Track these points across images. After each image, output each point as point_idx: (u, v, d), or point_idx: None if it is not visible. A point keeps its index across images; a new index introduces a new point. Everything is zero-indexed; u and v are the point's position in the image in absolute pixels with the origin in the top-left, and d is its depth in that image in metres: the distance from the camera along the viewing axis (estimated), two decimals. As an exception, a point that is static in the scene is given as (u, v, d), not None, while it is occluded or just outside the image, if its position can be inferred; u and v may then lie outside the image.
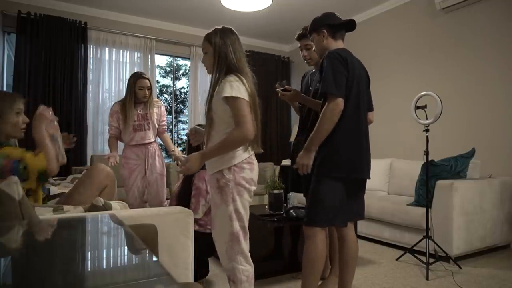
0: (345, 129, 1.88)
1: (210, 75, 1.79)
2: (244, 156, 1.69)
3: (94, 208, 1.60)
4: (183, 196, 2.45)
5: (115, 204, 1.73)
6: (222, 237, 1.68)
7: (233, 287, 1.69)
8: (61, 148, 1.93)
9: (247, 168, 1.70)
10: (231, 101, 1.63)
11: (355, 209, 2.01)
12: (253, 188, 1.73)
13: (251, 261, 1.72)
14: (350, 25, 2.07)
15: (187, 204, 2.43)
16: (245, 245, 1.70)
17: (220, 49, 1.73)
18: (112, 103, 4.99)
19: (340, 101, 1.82)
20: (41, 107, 1.85)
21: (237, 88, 1.64)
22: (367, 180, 2.16)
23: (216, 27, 1.80)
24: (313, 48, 2.14)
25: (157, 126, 3.16)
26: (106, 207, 1.61)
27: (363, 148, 1.98)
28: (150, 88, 3.10)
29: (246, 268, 1.69)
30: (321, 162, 1.89)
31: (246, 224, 1.71)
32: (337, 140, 1.87)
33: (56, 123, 1.89)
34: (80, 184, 2.03)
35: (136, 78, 3.04)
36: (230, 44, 1.75)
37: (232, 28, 1.82)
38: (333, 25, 2.03)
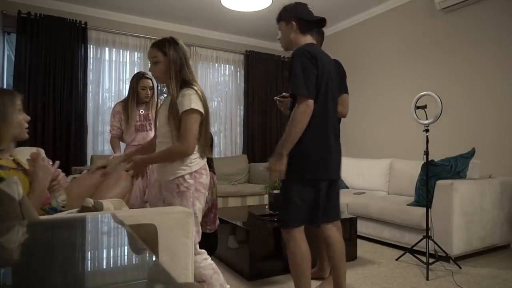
0: (312, 129, 1.83)
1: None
2: (202, 163, 1.82)
3: (84, 209, 1.57)
4: None
5: (107, 203, 1.70)
6: None
7: (206, 286, 1.78)
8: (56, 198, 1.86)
9: (204, 174, 1.82)
10: (186, 114, 1.73)
11: (329, 210, 1.99)
12: (207, 193, 1.86)
13: (207, 255, 1.85)
14: (320, 23, 2.00)
15: None
16: (197, 247, 1.83)
17: (176, 62, 1.80)
18: (112, 103, 5.01)
19: (311, 103, 1.77)
20: (42, 157, 1.66)
21: (196, 101, 1.74)
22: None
23: (165, 37, 1.87)
24: (278, 36, 2.06)
25: None
26: (97, 207, 1.59)
27: (331, 147, 1.91)
28: (152, 88, 3.11)
29: (207, 263, 1.81)
30: (290, 163, 1.86)
31: (200, 228, 1.84)
32: (305, 141, 1.83)
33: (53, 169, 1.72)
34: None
35: (138, 78, 3.05)
36: (183, 57, 1.83)
37: (180, 40, 1.89)
38: (305, 20, 1.94)
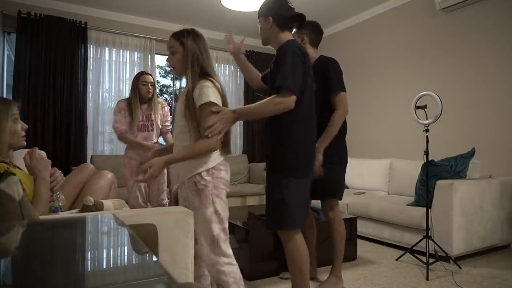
0: (302, 128, 1.83)
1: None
2: (220, 158, 1.74)
3: (85, 208, 1.60)
4: None
5: (108, 202, 1.72)
6: (203, 241, 1.70)
7: None
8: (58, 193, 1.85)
9: (223, 169, 1.74)
10: (205, 107, 1.66)
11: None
12: (228, 189, 1.77)
13: (235, 261, 1.74)
14: (301, 19, 1.97)
15: None
16: (227, 247, 1.72)
17: (194, 53, 1.73)
18: (112, 103, 5.01)
19: (293, 100, 1.71)
20: (37, 151, 1.69)
21: (213, 94, 1.67)
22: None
23: (185, 27, 1.81)
24: (258, 31, 2.00)
25: (160, 126, 3.16)
26: (97, 206, 1.61)
27: (315, 147, 1.95)
28: (153, 85, 3.10)
29: (231, 269, 1.70)
30: (278, 161, 1.85)
31: (226, 225, 1.74)
32: (295, 140, 1.82)
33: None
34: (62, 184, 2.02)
35: (139, 75, 3.07)
36: (203, 49, 1.77)
37: (200, 32, 1.83)
38: (282, 16, 1.89)
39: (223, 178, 1.73)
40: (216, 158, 1.72)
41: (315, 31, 2.51)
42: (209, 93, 1.66)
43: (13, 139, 1.64)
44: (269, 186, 1.89)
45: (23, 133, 1.69)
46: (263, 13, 1.93)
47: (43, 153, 1.76)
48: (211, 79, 1.72)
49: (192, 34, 1.77)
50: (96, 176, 2.16)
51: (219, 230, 1.70)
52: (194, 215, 1.70)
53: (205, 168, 1.69)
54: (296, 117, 1.80)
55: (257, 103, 1.76)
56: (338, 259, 2.44)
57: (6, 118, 1.59)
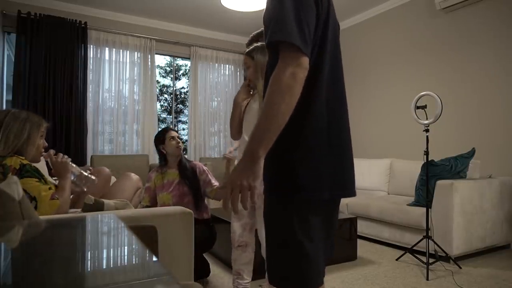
0: (316, 123, 1.02)
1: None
2: None
3: (86, 206, 1.62)
4: (193, 182, 2.49)
5: (110, 202, 1.72)
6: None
7: None
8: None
9: None
10: None
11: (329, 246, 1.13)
12: None
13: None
14: None
15: (198, 186, 2.48)
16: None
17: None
18: (112, 103, 5.01)
19: (305, 62, 0.93)
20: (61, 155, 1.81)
21: None
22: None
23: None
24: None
25: None
26: (98, 206, 1.62)
27: (348, 149, 1.11)
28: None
29: None
30: (273, 170, 1.07)
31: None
32: (307, 140, 1.02)
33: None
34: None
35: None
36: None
37: None
38: None
39: None
40: None
41: None
42: None
43: (35, 153, 1.76)
44: (271, 215, 1.08)
45: (42, 150, 1.81)
46: None
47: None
48: None
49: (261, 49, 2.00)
50: (122, 178, 2.23)
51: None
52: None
53: None
54: (306, 104, 1.00)
55: (263, 110, 0.94)
56: None
57: (37, 133, 1.73)
